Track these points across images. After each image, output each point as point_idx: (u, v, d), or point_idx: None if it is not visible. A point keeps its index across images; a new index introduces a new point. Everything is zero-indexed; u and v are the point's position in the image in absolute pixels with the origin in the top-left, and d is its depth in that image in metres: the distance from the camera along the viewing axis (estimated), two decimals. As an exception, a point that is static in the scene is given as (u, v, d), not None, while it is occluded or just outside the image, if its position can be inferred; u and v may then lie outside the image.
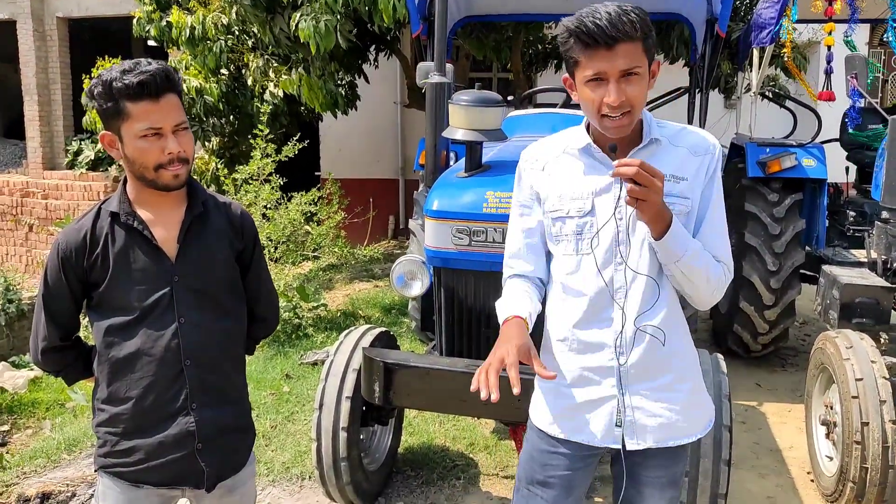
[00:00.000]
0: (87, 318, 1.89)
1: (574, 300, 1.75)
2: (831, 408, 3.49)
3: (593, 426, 1.75)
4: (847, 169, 5.84)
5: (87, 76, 8.69)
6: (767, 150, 4.96)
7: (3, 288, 8.46)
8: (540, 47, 8.34)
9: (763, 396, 4.80)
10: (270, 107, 7.43)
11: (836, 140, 5.76)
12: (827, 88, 4.85)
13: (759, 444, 4.13)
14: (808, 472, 3.75)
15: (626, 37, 1.53)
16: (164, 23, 7.36)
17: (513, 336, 1.62)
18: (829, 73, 4.93)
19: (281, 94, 7.31)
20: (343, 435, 2.98)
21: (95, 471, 1.86)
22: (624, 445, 1.74)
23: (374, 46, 7.61)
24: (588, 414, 1.75)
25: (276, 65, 7.03)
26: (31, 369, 6.76)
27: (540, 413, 1.85)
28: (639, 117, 1.66)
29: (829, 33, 4.75)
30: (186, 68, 7.79)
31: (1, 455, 4.12)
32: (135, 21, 7.70)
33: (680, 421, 1.75)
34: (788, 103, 5.95)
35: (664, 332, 1.72)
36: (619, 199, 1.65)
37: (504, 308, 1.74)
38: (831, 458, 3.51)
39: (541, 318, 1.82)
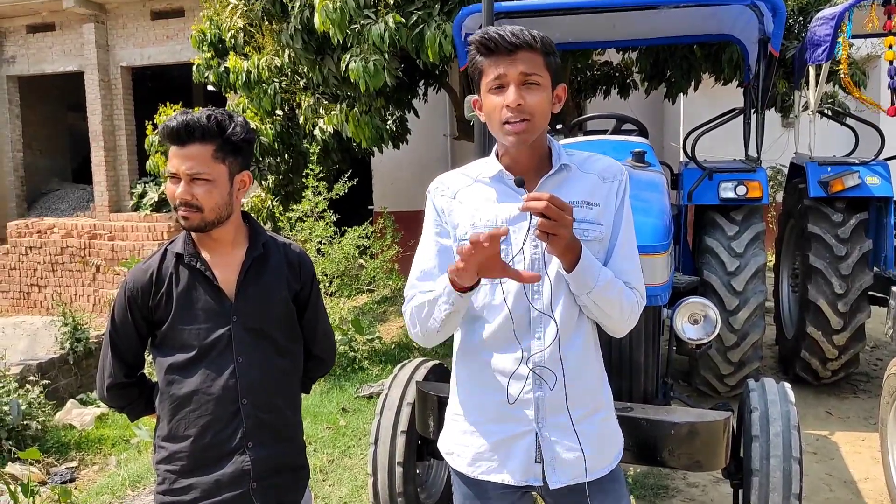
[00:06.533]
0: (151, 356, 1.94)
1: (490, 331, 1.69)
2: (910, 437, 3.31)
3: (512, 464, 1.70)
4: (915, 186, 5.61)
5: (150, 122, 9.05)
6: (829, 168, 4.81)
7: (71, 328, 8.77)
8: (588, 74, 8.32)
9: (834, 425, 4.59)
10: (320, 145, 7.59)
11: (901, 156, 5.54)
12: (894, 104, 4.69)
13: (832, 475, 3.94)
14: (888, 506, 3.56)
15: (527, 45, 1.58)
16: (221, 68, 7.63)
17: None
18: (893, 88, 4.77)
19: (330, 129, 7.46)
20: (399, 470, 2.96)
21: (156, 508, 1.89)
22: (546, 483, 1.68)
23: (423, 81, 7.72)
24: (506, 451, 1.70)
25: (325, 103, 7.18)
26: (98, 406, 6.97)
27: (457, 455, 1.78)
28: (540, 131, 1.64)
29: (890, 47, 4.60)
30: (243, 111, 8.03)
31: (70, 491, 4.23)
32: (194, 68, 8.00)
33: (594, 454, 1.70)
34: (849, 120, 5.78)
35: (584, 362, 1.69)
36: (528, 230, 1.61)
37: (439, 281, 1.63)
38: (912, 491, 3.32)
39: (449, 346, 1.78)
